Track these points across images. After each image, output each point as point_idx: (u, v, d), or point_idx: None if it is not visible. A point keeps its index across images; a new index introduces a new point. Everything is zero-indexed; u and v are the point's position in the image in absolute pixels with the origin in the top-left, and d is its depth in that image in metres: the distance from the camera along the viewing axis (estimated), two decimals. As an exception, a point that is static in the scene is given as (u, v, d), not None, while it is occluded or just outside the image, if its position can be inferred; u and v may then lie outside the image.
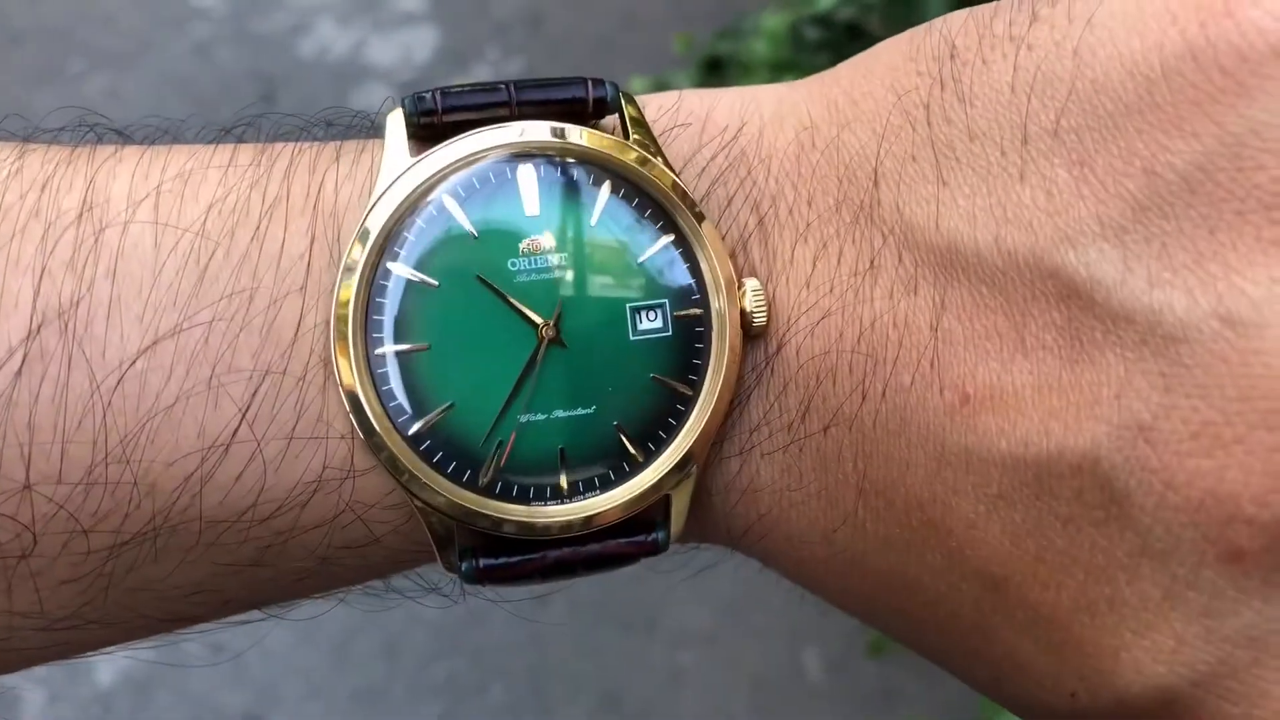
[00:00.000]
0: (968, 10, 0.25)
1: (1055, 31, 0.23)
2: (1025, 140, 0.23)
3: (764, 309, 0.25)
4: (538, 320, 0.25)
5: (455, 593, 0.27)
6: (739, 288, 0.25)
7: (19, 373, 0.23)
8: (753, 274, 0.26)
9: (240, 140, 0.27)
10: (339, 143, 0.27)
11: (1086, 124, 0.22)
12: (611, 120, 0.26)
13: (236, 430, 0.24)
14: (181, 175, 0.25)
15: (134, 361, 0.23)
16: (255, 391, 0.24)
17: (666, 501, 0.26)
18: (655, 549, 0.26)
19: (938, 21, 0.25)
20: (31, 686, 1.32)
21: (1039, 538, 0.22)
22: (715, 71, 0.99)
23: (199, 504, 0.24)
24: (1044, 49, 0.23)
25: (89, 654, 0.27)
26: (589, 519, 0.25)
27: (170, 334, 0.24)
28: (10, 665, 0.26)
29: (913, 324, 0.24)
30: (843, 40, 0.85)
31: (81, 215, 0.24)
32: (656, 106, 0.27)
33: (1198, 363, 0.20)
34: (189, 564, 0.25)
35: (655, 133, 0.26)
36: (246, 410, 0.24)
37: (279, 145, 0.26)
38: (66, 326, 0.23)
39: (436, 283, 0.25)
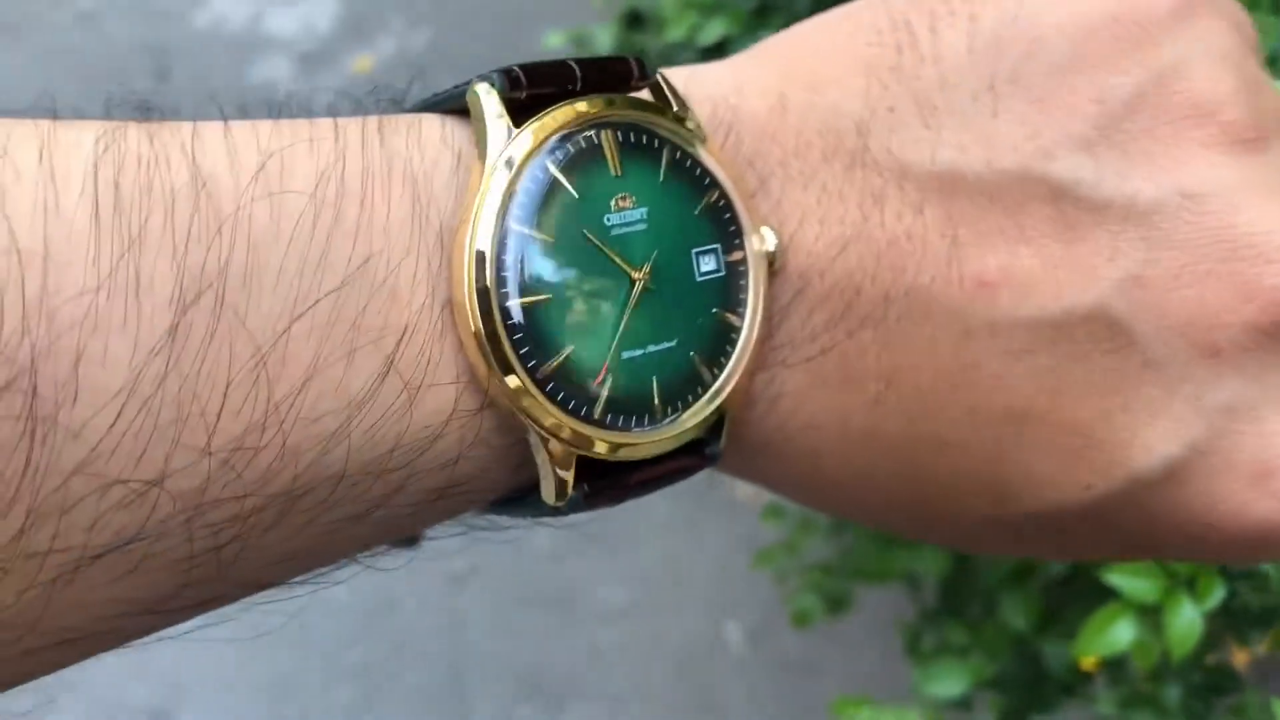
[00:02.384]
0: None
1: (993, 6, 0.30)
2: (991, 87, 0.29)
3: (780, 250, 0.30)
4: (631, 270, 0.28)
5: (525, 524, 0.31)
6: (758, 234, 0.30)
7: (166, 351, 0.24)
8: (764, 222, 0.30)
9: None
10: (383, 118, 0.29)
11: (1038, 71, 0.29)
12: (644, 93, 0.30)
13: (374, 386, 0.26)
14: (271, 152, 0.26)
15: (274, 331, 0.25)
16: (389, 348, 0.26)
17: (720, 419, 0.30)
18: (713, 459, 0.30)
19: (858, 7, 0.31)
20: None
21: (1060, 373, 0.29)
22: (636, 25, 0.97)
23: (343, 461, 0.26)
24: (990, 18, 0.30)
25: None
26: (678, 436, 0.29)
27: (306, 302, 0.25)
28: (98, 649, 0.27)
29: (926, 237, 0.29)
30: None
31: (198, 193, 0.25)
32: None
33: (1170, 226, 0.28)
34: (302, 529, 0.27)
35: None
36: (391, 364, 0.26)
37: (340, 121, 0.28)
38: (209, 304, 0.24)
39: (552, 239, 0.28)
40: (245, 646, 1.33)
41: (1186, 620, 0.58)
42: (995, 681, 0.86)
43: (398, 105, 0.31)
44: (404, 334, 0.26)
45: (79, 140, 0.25)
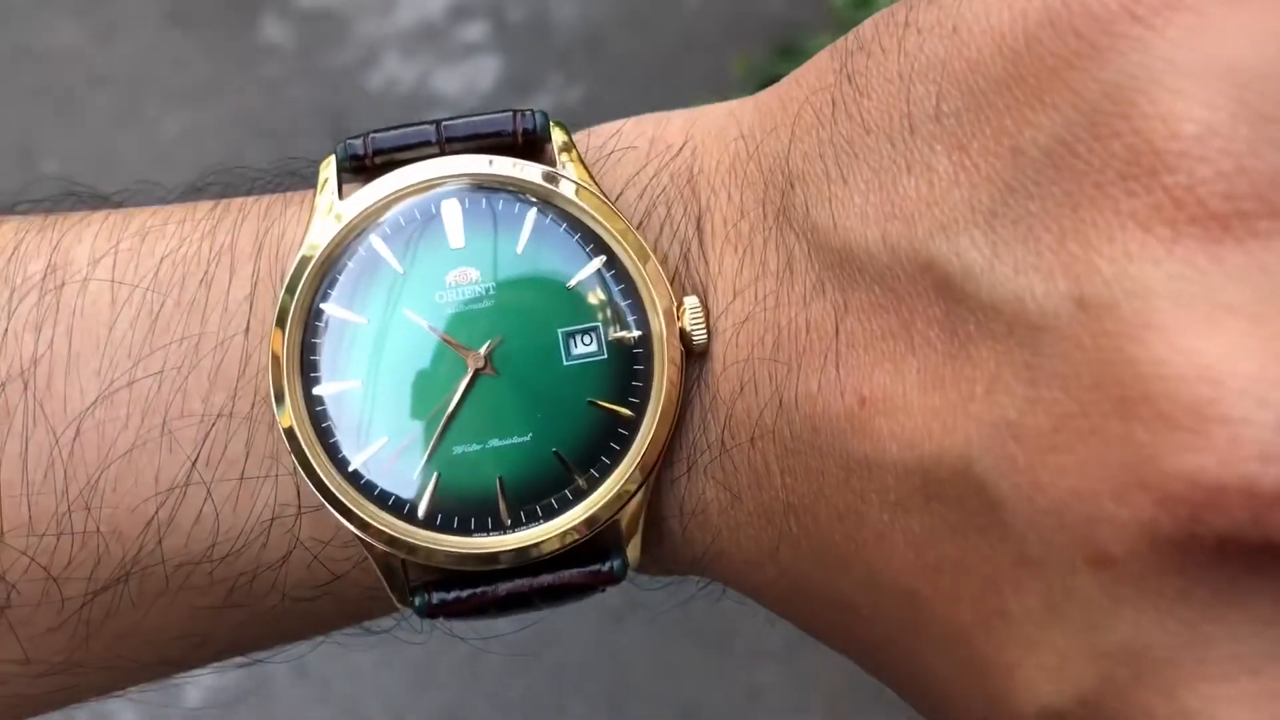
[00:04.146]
0: None
1: (941, 11, 0.22)
2: (912, 129, 0.22)
3: (703, 326, 0.24)
4: (466, 352, 0.25)
5: (425, 628, 0.28)
6: (678, 305, 0.25)
7: None
8: (694, 289, 0.25)
9: (219, 195, 0.28)
10: (290, 194, 0.28)
11: (964, 105, 0.21)
12: (549, 149, 0.27)
13: (190, 473, 0.25)
14: (141, 232, 0.26)
15: (91, 413, 0.24)
16: (206, 434, 0.25)
17: (619, 528, 0.25)
18: (612, 578, 0.26)
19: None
20: (124, 706, 1.37)
21: (936, 547, 0.20)
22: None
23: (163, 547, 0.25)
24: (929, 30, 0.22)
25: (101, 698, 0.28)
26: (531, 548, 0.25)
27: (125, 384, 0.25)
28: (13, 714, 0.27)
29: (820, 327, 0.23)
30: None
31: (45, 278, 0.25)
32: (602, 133, 0.27)
33: (1056, 351, 0.18)
34: (166, 607, 0.26)
35: (592, 159, 0.26)
36: (198, 453, 0.25)
37: (236, 199, 0.27)
38: (28, 384, 0.25)
39: (365, 320, 0.25)
40: (419, 677, 1.39)
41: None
42: None
43: None
44: (217, 419, 0.25)
45: None
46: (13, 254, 0.26)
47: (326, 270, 0.25)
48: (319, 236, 0.25)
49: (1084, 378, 0.18)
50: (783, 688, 1.33)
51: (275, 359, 0.25)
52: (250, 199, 0.27)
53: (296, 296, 0.25)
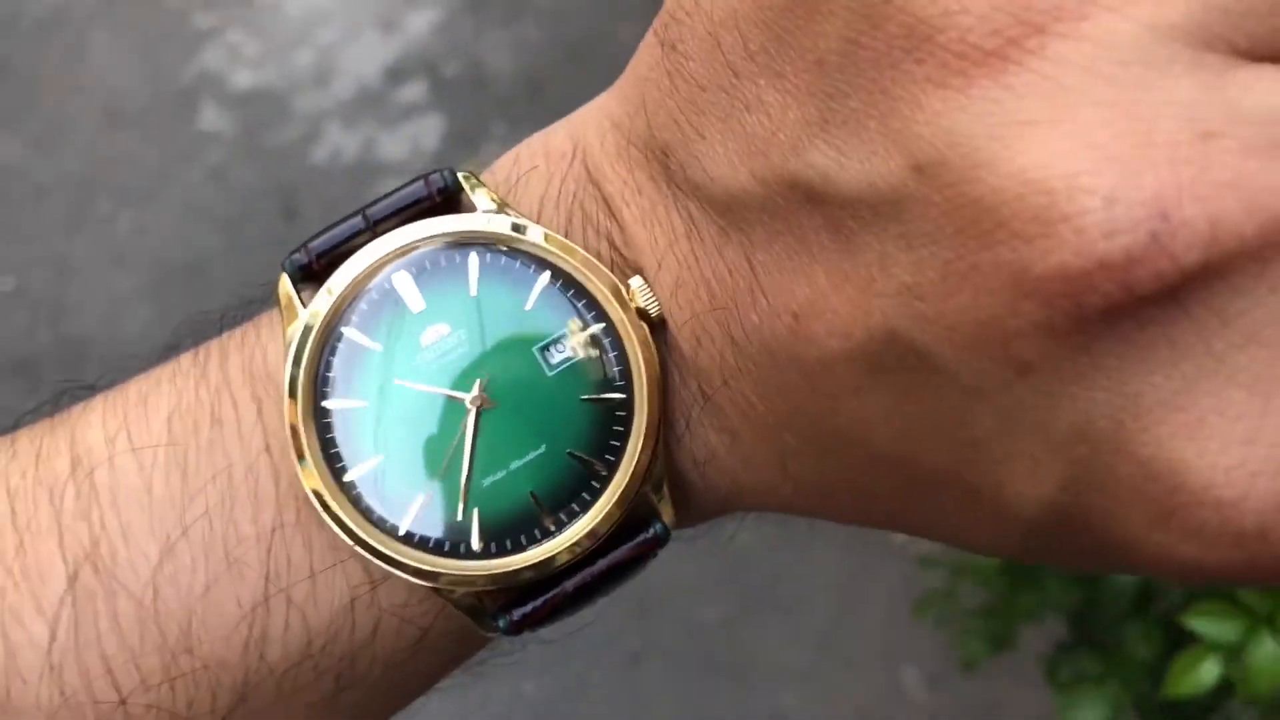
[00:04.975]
0: None
1: None
2: (736, 75, 0.24)
3: (653, 299, 0.27)
4: (463, 396, 0.27)
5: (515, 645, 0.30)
6: (626, 289, 0.27)
7: (75, 620, 0.27)
8: (634, 270, 0.27)
9: (193, 345, 0.30)
10: (258, 318, 0.30)
11: (766, 39, 0.23)
12: (465, 198, 0.29)
13: (266, 587, 0.27)
14: (141, 400, 0.28)
15: (160, 570, 0.27)
16: (268, 550, 0.27)
17: (649, 499, 0.27)
18: (659, 541, 0.28)
19: None
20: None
21: (900, 412, 0.23)
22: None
23: (266, 661, 0.27)
24: None
25: None
26: (582, 539, 0.27)
27: (180, 534, 0.27)
28: None
29: (738, 268, 0.25)
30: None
31: (74, 469, 0.28)
32: (503, 165, 0.29)
33: (917, 215, 0.21)
34: (285, 713, 0.28)
35: (504, 190, 0.28)
36: (267, 570, 0.27)
37: (212, 342, 0.29)
38: (97, 566, 0.27)
39: (365, 402, 0.27)
40: (437, 747, 1.37)
41: (1268, 655, 0.60)
42: (1137, 705, 0.87)
43: None
44: (273, 534, 0.27)
45: None
46: (38, 460, 0.28)
47: (317, 371, 0.27)
48: (296, 345, 0.27)
49: (947, 228, 0.20)
50: (805, 709, 1.32)
51: (294, 431, 0.27)
52: (224, 336, 0.29)
53: (299, 402, 0.27)
